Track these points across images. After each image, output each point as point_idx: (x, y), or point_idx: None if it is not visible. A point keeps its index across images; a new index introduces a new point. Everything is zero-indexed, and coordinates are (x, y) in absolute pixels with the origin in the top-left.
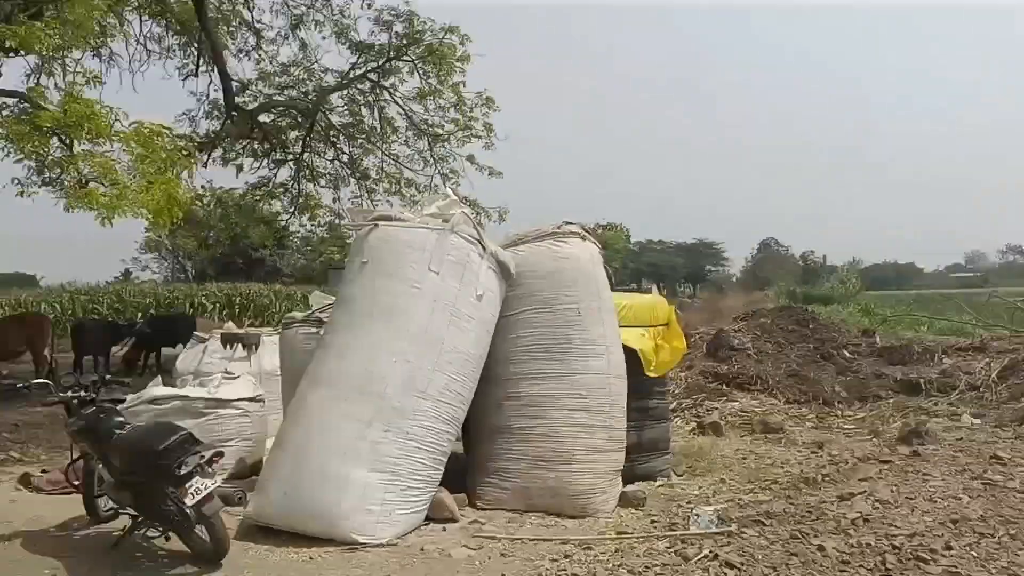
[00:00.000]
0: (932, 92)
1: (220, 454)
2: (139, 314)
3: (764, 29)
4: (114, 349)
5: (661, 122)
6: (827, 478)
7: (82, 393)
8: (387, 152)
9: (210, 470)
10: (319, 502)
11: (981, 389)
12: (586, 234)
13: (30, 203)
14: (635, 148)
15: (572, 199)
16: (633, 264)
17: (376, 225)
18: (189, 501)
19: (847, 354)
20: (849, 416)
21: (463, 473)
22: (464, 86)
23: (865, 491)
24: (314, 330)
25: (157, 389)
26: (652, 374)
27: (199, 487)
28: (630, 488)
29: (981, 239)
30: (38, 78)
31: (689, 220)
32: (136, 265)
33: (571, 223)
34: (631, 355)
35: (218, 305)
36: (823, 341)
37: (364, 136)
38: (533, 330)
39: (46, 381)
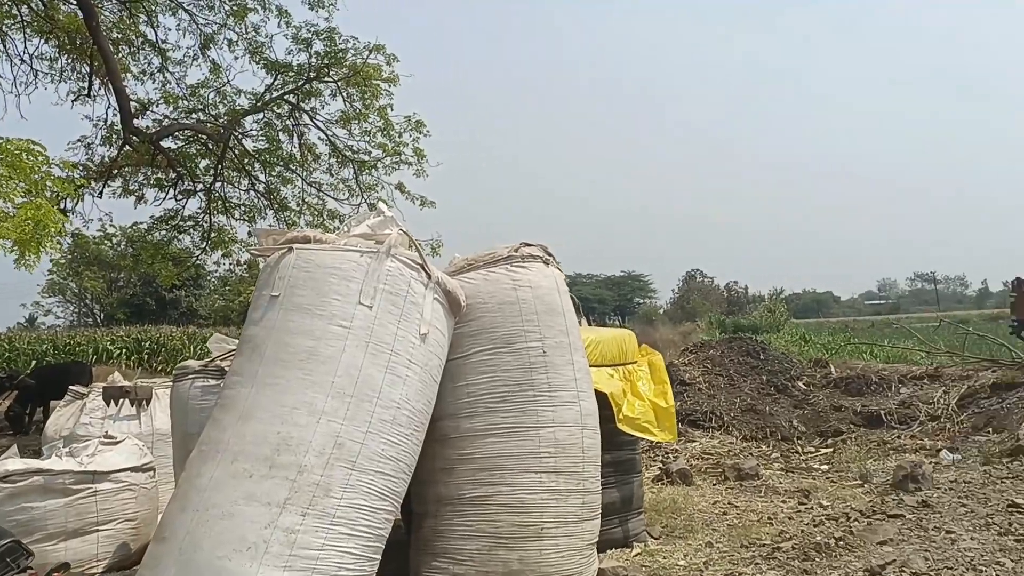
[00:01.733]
0: (847, 128)
1: (65, 566)
2: (32, 363)
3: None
4: None
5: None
6: (841, 542)
7: None
8: (309, 180)
9: None
10: None
11: (942, 419)
12: (549, 257)
13: None
14: (564, 180)
15: (505, 232)
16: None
17: (290, 249)
18: None
19: (802, 386)
20: (811, 452)
21: (403, 548)
22: (391, 109)
23: (894, 560)
24: (214, 382)
25: (11, 462)
26: (623, 427)
27: None
28: (609, 564)
29: (891, 267)
30: None
31: (616, 253)
32: (39, 310)
33: (530, 244)
34: (599, 400)
35: (126, 350)
36: (775, 372)
37: (282, 163)
38: (489, 376)
39: None
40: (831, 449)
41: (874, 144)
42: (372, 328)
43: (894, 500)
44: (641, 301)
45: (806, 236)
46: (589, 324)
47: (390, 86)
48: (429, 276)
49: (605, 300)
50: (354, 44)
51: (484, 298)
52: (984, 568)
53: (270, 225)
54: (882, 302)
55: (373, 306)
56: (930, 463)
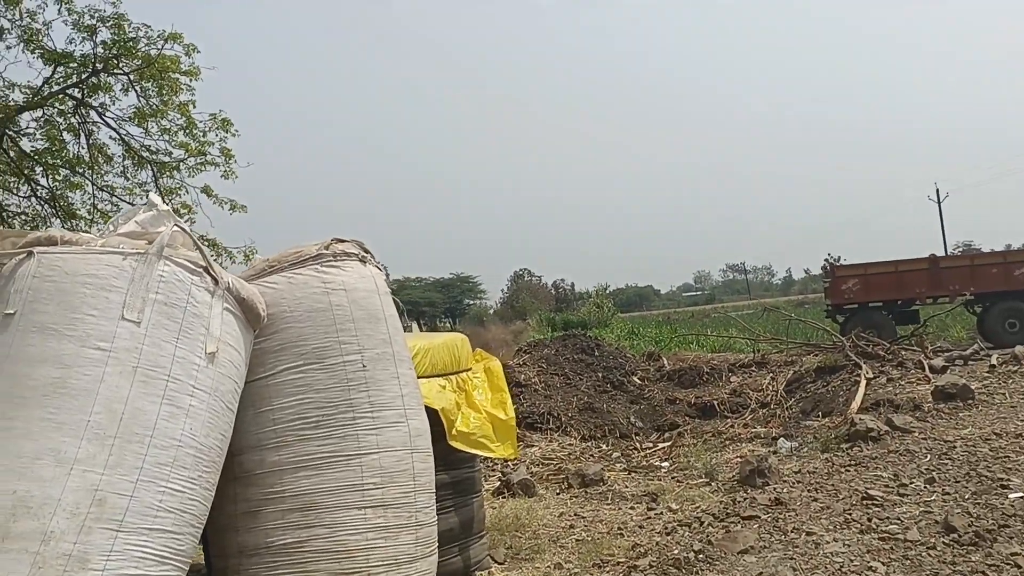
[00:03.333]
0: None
1: None
2: None
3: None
4: None
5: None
6: (701, 555)
7: None
8: (100, 185)
9: None
10: None
11: (772, 406)
12: (366, 255)
13: None
14: (388, 182)
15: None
16: (404, 305)
17: (30, 253)
18: None
19: (637, 380)
20: (650, 448)
21: None
22: (194, 106)
23: (761, 573)
24: None
25: None
26: (455, 444)
27: None
28: None
29: (706, 260)
30: None
31: (444, 255)
32: None
33: (343, 240)
34: (430, 416)
35: None
36: (610, 369)
37: (68, 166)
38: (298, 398)
39: None
40: (669, 443)
41: (679, 150)
42: (141, 349)
43: (744, 499)
44: (471, 302)
45: (626, 233)
46: (421, 329)
47: (191, 80)
48: (216, 281)
49: (435, 303)
50: (147, 32)
51: (290, 305)
52: (853, 574)
53: None
54: (698, 293)
55: (142, 321)
56: (768, 451)
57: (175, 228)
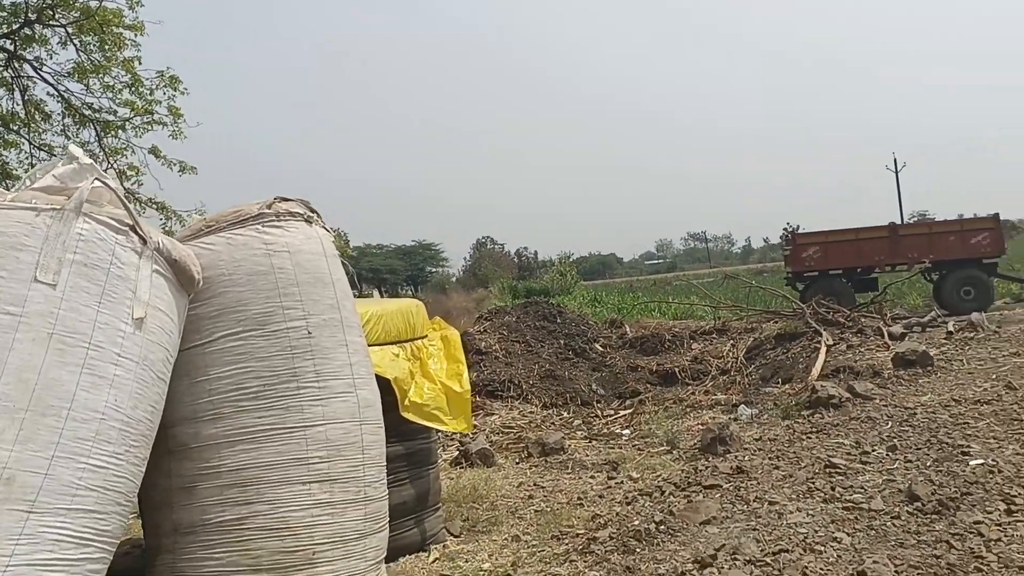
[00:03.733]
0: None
1: None
2: None
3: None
4: None
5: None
6: (662, 527)
7: None
8: (38, 143)
9: None
10: None
11: (732, 373)
12: (312, 215)
13: None
14: (344, 144)
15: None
16: (353, 269)
17: None
18: None
19: (599, 348)
20: (611, 415)
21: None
22: (139, 62)
23: (724, 545)
24: None
25: None
26: (408, 415)
27: None
28: None
29: (667, 228)
30: None
31: (407, 221)
32: None
33: (288, 199)
34: (382, 386)
35: None
36: (573, 336)
37: (2, 123)
38: (238, 366)
39: None
40: (631, 411)
41: (641, 121)
42: (57, 314)
43: (706, 467)
44: (433, 270)
45: (589, 201)
46: (382, 296)
47: (135, 35)
48: (144, 241)
49: (396, 270)
50: None
51: (228, 268)
52: (822, 547)
53: None
54: (660, 261)
55: (58, 284)
56: (729, 418)
57: (97, 183)
